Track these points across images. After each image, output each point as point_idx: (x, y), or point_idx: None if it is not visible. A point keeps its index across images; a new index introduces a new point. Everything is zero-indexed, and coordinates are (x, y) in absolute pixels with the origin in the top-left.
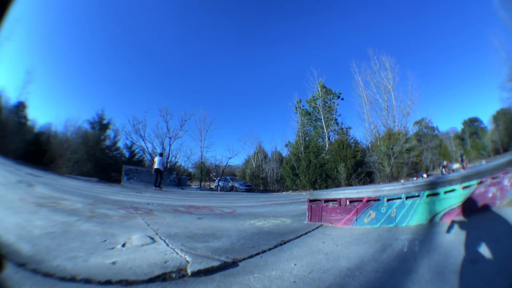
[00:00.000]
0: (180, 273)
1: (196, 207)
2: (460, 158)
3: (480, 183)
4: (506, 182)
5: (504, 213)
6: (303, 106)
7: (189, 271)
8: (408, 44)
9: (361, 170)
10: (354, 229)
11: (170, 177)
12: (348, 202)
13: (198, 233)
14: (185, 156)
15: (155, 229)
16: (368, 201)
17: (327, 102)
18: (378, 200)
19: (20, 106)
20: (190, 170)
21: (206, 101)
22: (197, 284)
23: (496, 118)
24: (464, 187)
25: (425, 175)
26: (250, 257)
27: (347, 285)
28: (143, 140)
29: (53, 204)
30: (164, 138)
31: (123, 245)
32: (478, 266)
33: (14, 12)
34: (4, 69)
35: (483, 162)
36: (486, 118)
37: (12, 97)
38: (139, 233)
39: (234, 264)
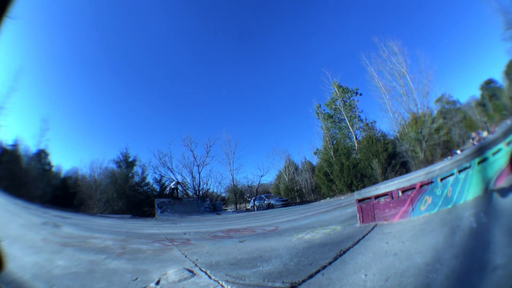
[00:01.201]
0: None
1: (236, 230)
2: (485, 126)
3: None
4: None
5: None
6: (324, 110)
7: None
8: (409, 22)
9: (395, 162)
10: (413, 220)
11: (204, 204)
12: (400, 193)
13: (242, 258)
14: (216, 181)
15: (193, 260)
16: (421, 186)
17: (346, 101)
18: (431, 182)
19: (42, 154)
20: (223, 194)
21: (227, 123)
22: None
23: (507, 72)
24: (508, 143)
25: (458, 151)
26: (310, 277)
27: (434, 282)
28: (171, 172)
29: (80, 244)
30: (192, 167)
31: (157, 283)
32: None
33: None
34: (18, 119)
35: (508, 122)
36: (499, 76)
37: (31, 146)
38: (175, 267)
39: None
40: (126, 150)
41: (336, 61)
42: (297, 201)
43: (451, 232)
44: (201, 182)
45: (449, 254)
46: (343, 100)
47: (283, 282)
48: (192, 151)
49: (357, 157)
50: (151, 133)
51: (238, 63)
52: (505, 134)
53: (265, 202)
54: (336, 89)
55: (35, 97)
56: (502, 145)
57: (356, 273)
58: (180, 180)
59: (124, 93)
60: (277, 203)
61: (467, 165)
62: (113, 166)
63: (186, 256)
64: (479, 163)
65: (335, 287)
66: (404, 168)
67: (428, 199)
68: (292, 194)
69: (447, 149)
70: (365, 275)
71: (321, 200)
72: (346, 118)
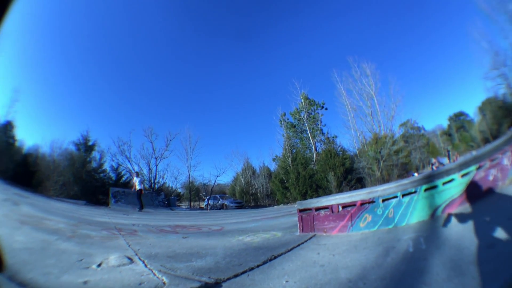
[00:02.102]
0: None
1: (183, 226)
2: (447, 154)
3: (479, 167)
4: (505, 162)
5: (510, 191)
6: (288, 119)
7: None
8: (387, 48)
9: (351, 177)
10: (351, 235)
11: (159, 198)
12: (340, 208)
13: (181, 252)
14: (173, 176)
15: (135, 250)
16: (362, 204)
17: (311, 113)
18: (372, 202)
19: (8, 126)
20: (179, 190)
21: (190, 119)
22: None
23: (482, 108)
24: (463, 175)
25: (416, 174)
26: (236, 276)
27: None
28: (129, 161)
29: (36, 223)
30: (150, 158)
31: (99, 265)
32: (497, 248)
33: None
34: None
35: (474, 153)
36: (471, 110)
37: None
38: (117, 253)
39: (216, 285)
40: (86, 133)
41: (307, 74)
42: (251, 204)
43: (385, 253)
44: (157, 175)
45: (376, 274)
46: (308, 112)
47: (209, 277)
48: (152, 143)
49: (314, 168)
50: (113, 119)
51: (210, 60)
52: (461, 166)
53: (219, 202)
54: (303, 100)
55: (10, 63)
56: (456, 176)
57: (279, 278)
58: (138, 171)
59: (95, 73)
60: (231, 205)
61: (413, 190)
62: (72, 148)
63: (129, 246)
64: (426, 190)
65: None
66: (360, 184)
67: (368, 217)
68: (247, 197)
69: (405, 171)
70: (286, 281)
71: (275, 206)
72: (308, 129)
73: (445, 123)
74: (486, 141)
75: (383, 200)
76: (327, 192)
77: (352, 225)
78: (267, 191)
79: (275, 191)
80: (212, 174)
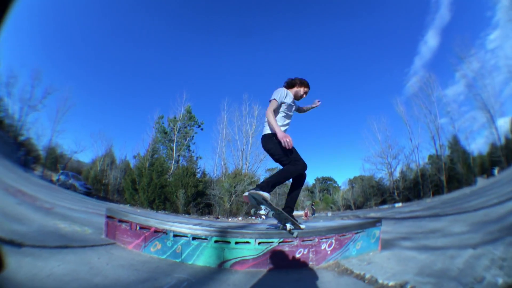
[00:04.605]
0: None
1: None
2: (311, 206)
3: (284, 242)
4: (323, 247)
5: (312, 275)
6: (163, 123)
7: None
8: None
9: (201, 201)
10: (142, 255)
11: (19, 153)
12: (138, 228)
13: None
14: (37, 134)
15: None
16: (155, 231)
17: (187, 127)
18: (165, 233)
19: None
20: (41, 152)
21: (77, 79)
22: None
23: (352, 181)
24: (260, 243)
25: (263, 217)
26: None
27: None
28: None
29: None
30: (25, 105)
31: None
32: None
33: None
34: None
35: (329, 213)
36: (340, 179)
37: None
38: None
39: None
40: None
41: (200, 89)
42: (101, 195)
43: (144, 279)
44: (24, 127)
45: None
46: (184, 125)
47: None
48: (32, 88)
49: (169, 179)
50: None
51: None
52: (260, 235)
53: (70, 181)
54: (185, 112)
55: None
56: (252, 241)
57: (56, 261)
58: None
59: None
60: (80, 188)
61: (203, 237)
62: None
63: None
64: (217, 241)
65: None
66: (208, 209)
67: (158, 244)
68: (98, 186)
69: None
70: (59, 265)
71: (121, 205)
72: (176, 141)
73: (311, 181)
74: (348, 207)
75: (175, 235)
76: (174, 207)
77: (145, 246)
78: (119, 186)
79: (125, 189)
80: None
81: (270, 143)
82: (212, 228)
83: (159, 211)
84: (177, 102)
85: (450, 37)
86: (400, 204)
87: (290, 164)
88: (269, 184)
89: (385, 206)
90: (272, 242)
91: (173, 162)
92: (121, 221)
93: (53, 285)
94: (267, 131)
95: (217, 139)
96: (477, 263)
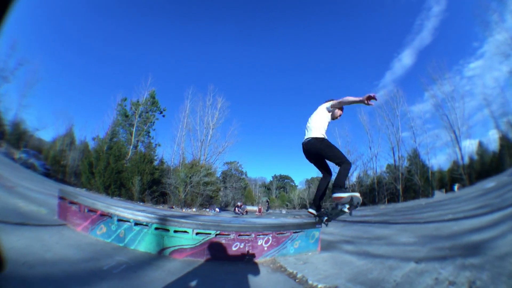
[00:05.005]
0: None
1: None
2: (266, 203)
3: (220, 234)
4: (261, 243)
5: (246, 269)
6: (126, 106)
7: None
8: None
9: (157, 189)
10: (89, 237)
11: None
12: (86, 210)
13: None
14: (5, 107)
15: None
16: (101, 215)
17: (149, 112)
18: (110, 217)
19: None
20: (7, 127)
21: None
22: None
23: (309, 181)
24: (198, 233)
25: (216, 210)
26: None
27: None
28: None
29: None
30: None
31: None
32: None
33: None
34: None
35: (284, 211)
36: (298, 179)
37: None
38: None
39: None
40: None
41: (166, 73)
42: (59, 177)
43: (87, 259)
44: None
45: (58, 267)
46: (147, 110)
47: None
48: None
49: (126, 165)
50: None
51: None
52: (198, 226)
53: (31, 160)
54: (149, 97)
55: None
56: (190, 230)
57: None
58: None
59: None
60: (40, 168)
61: (145, 223)
62: None
63: None
64: (157, 229)
65: None
66: (163, 198)
67: (104, 228)
68: (57, 167)
69: (209, 203)
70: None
71: (77, 188)
72: (136, 125)
73: (269, 178)
74: (304, 206)
75: (119, 220)
76: (129, 194)
77: (92, 229)
78: (77, 169)
79: (82, 173)
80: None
81: (322, 144)
82: (153, 215)
83: (114, 197)
84: (142, 86)
85: (426, 59)
86: None
87: (345, 163)
88: (344, 185)
89: None
90: (209, 234)
91: (131, 147)
92: (72, 202)
93: (14, 257)
94: (317, 134)
95: (177, 127)
96: (418, 280)
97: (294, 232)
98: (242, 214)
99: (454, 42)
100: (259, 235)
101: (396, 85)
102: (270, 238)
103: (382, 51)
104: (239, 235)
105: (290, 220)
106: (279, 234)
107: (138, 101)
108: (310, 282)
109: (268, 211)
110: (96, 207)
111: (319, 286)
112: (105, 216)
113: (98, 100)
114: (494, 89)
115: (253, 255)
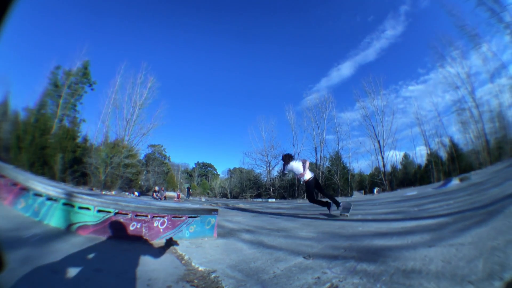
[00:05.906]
0: None
1: None
2: (187, 189)
3: (119, 213)
4: (157, 224)
5: (140, 248)
6: (59, 75)
7: None
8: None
9: (78, 169)
10: (13, 210)
11: None
12: (10, 184)
13: None
14: None
15: None
16: (21, 189)
17: (78, 84)
18: (27, 191)
19: None
20: None
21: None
22: None
23: (231, 171)
24: (100, 211)
25: (135, 194)
26: None
27: None
28: None
29: None
30: None
31: None
32: (103, 274)
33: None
34: None
35: (203, 199)
36: (221, 168)
37: None
38: None
39: None
40: None
41: (103, 42)
42: None
43: (12, 230)
44: None
45: None
46: (77, 82)
47: None
48: None
49: (50, 140)
50: None
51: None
52: (101, 204)
53: None
54: (83, 67)
55: None
56: (92, 207)
57: None
58: None
59: None
60: None
61: (54, 198)
62: None
63: None
64: (65, 204)
65: None
66: (83, 179)
67: (23, 202)
68: None
69: (129, 186)
70: None
71: (8, 165)
72: (63, 97)
73: (192, 165)
74: (224, 195)
75: (35, 194)
76: (52, 172)
77: (15, 203)
78: (8, 143)
79: (11, 148)
80: None
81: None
82: (62, 191)
83: (38, 176)
84: (76, 54)
85: (364, 73)
86: (273, 200)
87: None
88: (334, 200)
89: (259, 200)
90: (109, 212)
91: (57, 120)
92: (2, 176)
93: None
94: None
95: (104, 103)
96: (298, 275)
97: (189, 217)
98: (161, 199)
99: (399, 65)
100: (155, 216)
101: (329, 91)
102: (166, 220)
103: (324, 59)
104: (136, 215)
105: (186, 205)
106: (174, 217)
107: (70, 71)
108: (193, 264)
109: (188, 198)
110: (18, 180)
111: (200, 268)
112: (24, 190)
113: (35, 65)
114: (430, 112)
115: (150, 236)
